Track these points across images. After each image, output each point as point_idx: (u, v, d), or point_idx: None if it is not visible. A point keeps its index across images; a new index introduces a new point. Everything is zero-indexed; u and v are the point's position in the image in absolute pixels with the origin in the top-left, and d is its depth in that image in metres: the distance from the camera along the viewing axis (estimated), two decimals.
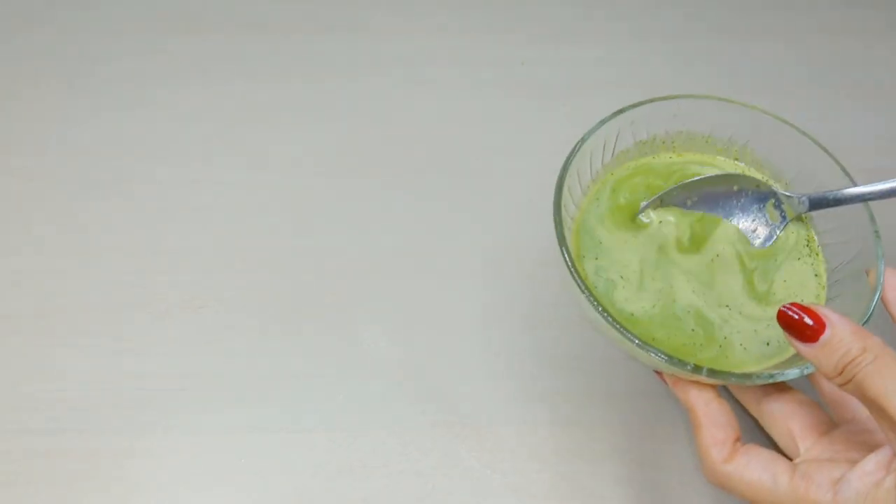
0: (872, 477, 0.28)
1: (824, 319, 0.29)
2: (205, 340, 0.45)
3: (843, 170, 0.36)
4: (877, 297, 0.33)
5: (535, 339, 0.46)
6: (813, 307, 0.30)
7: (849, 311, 0.33)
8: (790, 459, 0.33)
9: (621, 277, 0.37)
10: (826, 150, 0.36)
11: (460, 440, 0.42)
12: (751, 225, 0.38)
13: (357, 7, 0.65)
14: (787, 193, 0.37)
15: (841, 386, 0.29)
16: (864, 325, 0.33)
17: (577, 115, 0.57)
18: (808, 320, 0.29)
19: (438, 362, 0.45)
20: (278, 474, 0.40)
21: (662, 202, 0.39)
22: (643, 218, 0.39)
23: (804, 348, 0.30)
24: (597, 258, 0.38)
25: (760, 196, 0.38)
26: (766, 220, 0.38)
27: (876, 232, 0.34)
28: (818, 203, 0.36)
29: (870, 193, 0.34)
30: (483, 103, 0.58)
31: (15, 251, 0.49)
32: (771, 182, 0.39)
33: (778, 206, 0.37)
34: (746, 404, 0.37)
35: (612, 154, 0.40)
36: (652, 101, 0.39)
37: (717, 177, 0.39)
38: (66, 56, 0.60)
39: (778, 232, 0.37)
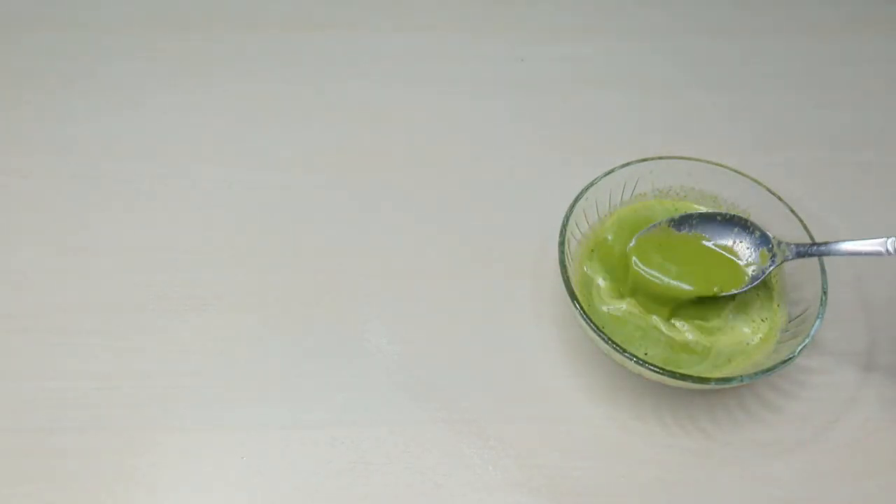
0: None
1: None
2: (206, 339, 0.45)
3: (813, 240, 0.43)
4: (801, 346, 0.39)
5: (535, 336, 0.46)
6: None
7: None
8: None
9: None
10: (807, 230, 0.43)
11: (461, 437, 0.42)
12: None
13: (355, 5, 0.65)
14: (780, 240, 0.44)
15: None
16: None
17: (577, 112, 0.58)
18: None
19: (439, 360, 0.45)
20: (280, 472, 0.40)
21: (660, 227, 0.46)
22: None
23: None
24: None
25: (757, 240, 0.45)
26: (758, 261, 0.44)
27: (824, 291, 0.41)
28: (803, 253, 0.43)
29: (837, 250, 0.41)
30: (482, 100, 0.58)
31: (15, 251, 0.49)
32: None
33: (770, 250, 0.44)
34: None
35: (632, 193, 0.48)
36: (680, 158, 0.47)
37: (721, 213, 0.45)
38: (64, 56, 0.60)
39: (765, 273, 0.44)
